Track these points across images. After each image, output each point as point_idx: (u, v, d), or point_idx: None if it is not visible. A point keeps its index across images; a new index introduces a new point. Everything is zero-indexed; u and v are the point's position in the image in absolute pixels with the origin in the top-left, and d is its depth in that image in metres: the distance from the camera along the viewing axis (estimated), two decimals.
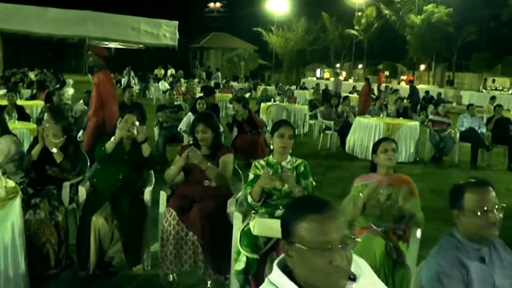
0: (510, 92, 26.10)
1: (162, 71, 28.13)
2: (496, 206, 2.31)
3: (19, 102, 8.80)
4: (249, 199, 3.39)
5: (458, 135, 9.78)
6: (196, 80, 25.45)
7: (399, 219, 3.48)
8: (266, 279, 1.60)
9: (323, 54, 42.71)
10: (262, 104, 12.80)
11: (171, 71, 28.57)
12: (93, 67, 6.17)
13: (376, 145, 3.67)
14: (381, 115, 10.64)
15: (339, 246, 1.51)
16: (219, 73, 25.65)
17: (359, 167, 9.04)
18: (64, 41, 42.29)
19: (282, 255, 1.66)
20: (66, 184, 4.04)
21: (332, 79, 35.45)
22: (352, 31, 38.83)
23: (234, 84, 25.44)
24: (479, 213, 2.29)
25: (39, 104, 10.08)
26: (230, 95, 16.49)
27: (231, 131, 8.23)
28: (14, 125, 6.54)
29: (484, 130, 9.76)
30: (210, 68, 30.71)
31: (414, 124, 9.96)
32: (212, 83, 21.76)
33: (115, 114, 5.91)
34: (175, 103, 8.42)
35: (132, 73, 22.09)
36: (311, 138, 11.99)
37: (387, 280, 3.00)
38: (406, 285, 2.99)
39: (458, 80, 33.95)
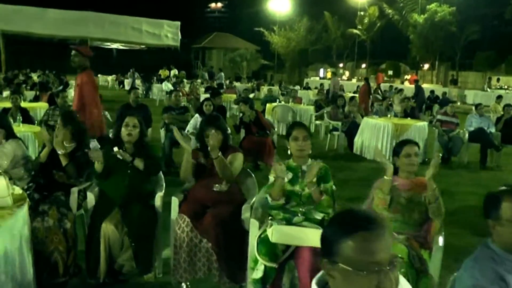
0: None
1: (167, 72, 28.00)
2: None
3: (22, 104, 8.67)
4: (269, 199, 3.28)
5: (467, 135, 9.65)
6: (199, 80, 25.33)
7: (421, 223, 3.37)
8: None
9: (325, 54, 42.63)
10: (268, 105, 12.69)
11: (174, 71, 28.46)
12: (77, 68, 5.99)
13: (399, 147, 3.53)
14: (389, 116, 10.53)
15: (388, 267, 1.38)
16: (223, 74, 25.49)
17: (368, 168, 8.93)
18: (65, 42, 42.08)
19: (321, 273, 1.53)
20: (74, 190, 3.92)
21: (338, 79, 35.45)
22: (355, 31, 38.73)
23: (237, 84, 25.31)
24: None
25: (42, 106, 9.96)
26: (235, 96, 16.38)
27: (238, 132, 8.10)
28: (19, 128, 6.43)
29: (493, 130, 9.64)
30: (213, 69, 30.54)
31: (423, 124, 9.83)
32: (215, 84, 21.61)
33: (96, 117, 5.79)
34: (181, 104, 8.28)
35: (136, 74, 21.93)
36: (318, 138, 11.84)
37: None
38: None
39: (462, 79, 33.77)
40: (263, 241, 3.13)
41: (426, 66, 37.04)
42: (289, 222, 3.26)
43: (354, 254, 1.39)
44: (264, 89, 24.82)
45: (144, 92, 23.59)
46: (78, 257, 3.78)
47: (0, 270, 2.69)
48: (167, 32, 42.93)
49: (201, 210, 3.57)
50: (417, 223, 3.37)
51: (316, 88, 24.66)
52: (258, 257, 3.06)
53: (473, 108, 14.48)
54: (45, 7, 35.66)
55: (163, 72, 28.32)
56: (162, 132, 7.73)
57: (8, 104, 8.44)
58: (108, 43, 44.46)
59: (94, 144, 4.23)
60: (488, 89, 26.21)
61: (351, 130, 10.21)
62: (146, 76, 27.96)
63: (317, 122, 12.38)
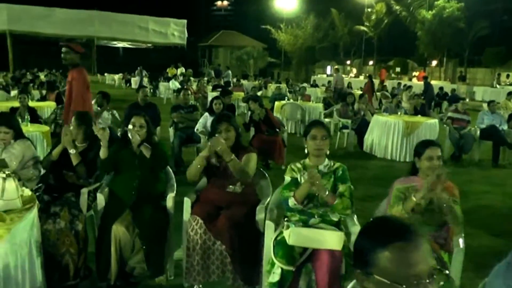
0: None
1: (174, 71, 27.94)
2: None
3: (30, 103, 8.64)
4: (291, 202, 3.16)
5: (478, 132, 9.51)
6: (206, 78, 25.27)
7: (441, 224, 3.27)
8: None
9: (332, 51, 42.44)
10: (276, 103, 12.60)
11: (181, 70, 28.40)
12: (68, 65, 5.90)
13: (421, 148, 3.42)
14: (399, 113, 10.41)
15: (427, 280, 1.29)
16: (230, 72, 25.39)
17: (379, 166, 8.83)
18: (72, 41, 42.24)
19: (352, 283, 1.44)
20: (84, 191, 3.84)
21: (343, 75, 35.28)
22: (362, 28, 38.54)
23: (244, 82, 25.23)
24: None
25: (50, 105, 9.92)
26: (242, 94, 16.29)
27: (247, 131, 8.00)
28: (27, 128, 6.38)
29: (505, 127, 9.49)
30: (220, 67, 30.46)
31: (434, 122, 9.72)
32: (222, 82, 21.53)
33: None
34: (190, 103, 8.20)
35: (144, 73, 21.84)
36: None
37: None
38: None
39: (470, 76, 33.50)
40: (280, 243, 3.04)
41: (434, 62, 36.78)
42: (305, 224, 3.17)
43: (391, 265, 1.30)
44: (272, 87, 24.72)
45: (152, 90, 23.54)
46: (88, 259, 3.72)
47: (10, 275, 2.62)
48: (173, 31, 43.33)
49: (214, 211, 3.48)
50: (437, 223, 3.27)
51: (323, 85, 24.53)
52: (275, 260, 2.97)
53: (484, 105, 14.34)
54: (52, 7, 35.90)
55: (170, 71, 28.24)
56: (171, 131, 7.66)
57: (16, 104, 8.42)
58: (115, 42, 44.77)
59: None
60: (498, 86, 25.94)
61: (361, 127, 10.10)
62: (153, 74, 27.92)
63: (326, 119, 12.24)
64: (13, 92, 12.74)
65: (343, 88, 19.47)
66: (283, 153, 7.73)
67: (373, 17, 37.95)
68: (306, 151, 3.42)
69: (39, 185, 4.05)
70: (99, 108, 7.81)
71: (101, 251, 3.56)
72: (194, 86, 18.22)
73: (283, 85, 21.40)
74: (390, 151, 9.45)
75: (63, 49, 5.84)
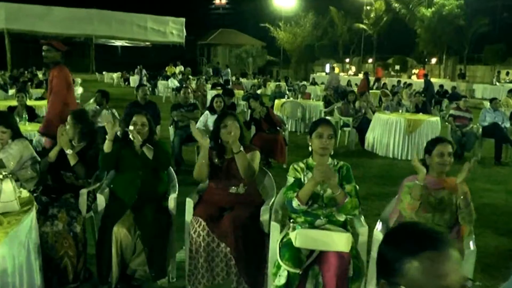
0: None
1: (173, 69, 27.81)
2: None
3: (28, 102, 8.52)
4: (295, 203, 3.05)
5: (480, 130, 9.44)
6: (204, 77, 25.19)
7: (452, 225, 3.19)
8: None
9: (331, 49, 42.37)
10: (276, 101, 12.52)
11: (179, 68, 28.28)
12: (49, 63, 5.74)
13: (431, 145, 3.35)
14: (400, 111, 10.34)
15: None
16: (229, 70, 25.29)
17: (381, 164, 8.76)
18: (70, 40, 42.18)
19: None
20: (84, 192, 3.75)
21: (342, 74, 35.13)
22: (361, 25, 38.47)
23: (243, 80, 25.13)
24: None
25: None
26: (242, 92, 16.19)
27: (249, 129, 7.90)
28: (25, 127, 6.30)
29: (508, 124, 9.44)
30: (219, 65, 30.34)
31: (435, 119, 9.64)
32: (221, 80, 21.44)
33: (55, 111, 5.54)
34: (190, 101, 8.09)
35: (144, 71, 21.69)
36: None
37: None
38: None
39: (470, 73, 33.36)
40: (286, 245, 2.95)
41: (434, 60, 36.71)
42: (311, 225, 3.08)
43: (420, 276, 1.21)
44: (271, 85, 24.62)
45: (150, 89, 23.41)
46: (88, 262, 3.64)
47: (7, 280, 2.53)
48: (172, 29, 43.19)
49: (217, 212, 3.40)
50: (447, 224, 3.20)
51: (322, 83, 24.44)
52: (281, 263, 2.88)
53: (484, 102, 14.26)
54: (50, 5, 35.74)
55: (169, 69, 28.11)
56: (171, 129, 7.56)
57: (14, 103, 8.32)
58: (113, 41, 44.58)
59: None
60: (497, 83, 25.87)
61: (362, 126, 10.03)
62: (151, 73, 27.79)
63: (327, 118, 12.17)
64: (11, 91, 12.65)
65: (338, 86, 19.44)
66: (284, 152, 7.65)
67: (372, 14, 37.89)
68: (310, 149, 3.32)
69: (37, 186, 3.96)
70: (98, 107, 7.71)
71: (102, 254, 3.48)
72: (193, 85, 18.10)
73: (283, 83, 21.29)
74: (392, 149, 9.38)
75: (44, 47, 5.69)
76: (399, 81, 23.86)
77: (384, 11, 37.20)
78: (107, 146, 3.70)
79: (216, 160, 3.54)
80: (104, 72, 35.57)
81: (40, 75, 24.21)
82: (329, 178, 2.94)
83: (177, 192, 3.77)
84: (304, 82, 21.49)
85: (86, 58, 43.14)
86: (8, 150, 4.02)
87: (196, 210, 3.46)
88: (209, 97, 15.38)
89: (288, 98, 13.29)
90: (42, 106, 9.54)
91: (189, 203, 3.52)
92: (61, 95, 5.64)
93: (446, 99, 18.32)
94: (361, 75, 32.14)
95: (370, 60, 41.48)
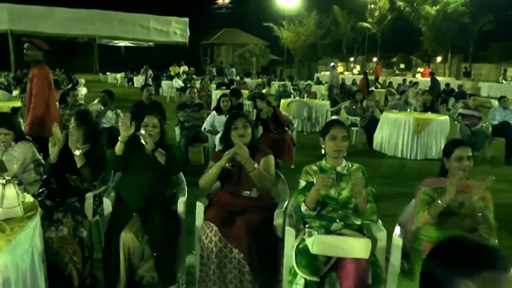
0: None
1: (177, 69, 27.70)
2: None
3: None
4: (303, 208, 2.94)
5: (490, 129, 9.29)
6: (208, 77, 25.08)
7: (473, 230, 3.04)
8: None
9: (335, 48, 42.26)
10: (282, 100, 12.39)
11: (183, 68, 28.17)
12: (30, 61, 5.61)
13: (450, 148, 3.19)
14: (408, 110, 10.19)
15: None
16: (234, 69, 25.16)
17: (389, 165, 8.62)
18: (72, 40, 42.20)
19: None
20: (89, 195, 3.62)
21: (346, 73, 34.99)
22: (365, 24, 38.38)
23: (247, 80, 25.00)
24: None
25: None
26: (247, 92, 16.06)
27: (256, 129, 7.79)
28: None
29: None
30: (223, 64, 30.22)
31: (445, 118, 9.48)
32: (226, 80, 21.30)
33: (40, 113, 5.41)
34: (196, 101, 7.96)
35: (150, 72, 21.51)
36: None
37: None
38: None
39: (475, 72, 33.18)
40: (302, 252, 2.81)
41: (439, 58, 36.52)
42: (327, 230, 2.95)
43: None
44: (275, 84, 24.48)
45: (154, 89, 23.28)
46: (94, 267, 3.51)
47: None
48: (175, 29, 43.20)
49: (229, 217, 3.25)
50: (469, 229, 3.05)
51: (326, 82, 24.30)
52: (298, 270, 2.75)
53: (492, 101, 14.07)
54: (53, 6, 35.73)
55: (173, 69, 28.01)
56: (177, 130, 7.44)
57: (17, 103, 8.21)
58: (116, 41, 44.55)
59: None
60: (504, 81, 25.68)
61: (370, 125, 9.88)
62: (155, 73, 27.67)
63: (333, 117, 12.04)
64: (15, 92, 12.54)
65: (338, 84, 19.35)
66: (292, 152, 7.51)
67: (376, 13, 37.79)
68: (323, 152, 3.19)
69: (41, 189, 3.83)
70: (102, 108, 7.59)
71: (109, 259, 3.35)
72: (198, 85, 17.98)
73: (288, 83, 21.16)
74: (401, 149, 9.24)
75: (25, 45, 5.57)
76: (404, 80, 23.68)
77: (388, 9, 37.11)
78: (119, 149, 3.56)
79: (228, 164, 3.39)
80: (107, 73, 35.51)
81: None
82: (356, 185, 2.82)
83: (186, 195, 3.63)
84: (309, 81, 21.33)
85: (89, 59, 43.15)
86: (11, 152, 3.90)
87: (206, 214, 3.33)
88: (213, 97, 15.27)
89: (294, 97, 13.15)
90: None
91: (199, 207, 3.38)
92: (43, 95, 5.50)
93: (453, 97, 18.16)
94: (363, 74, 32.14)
95: (374, 59, 41.33)
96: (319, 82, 25.21)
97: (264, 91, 17.03)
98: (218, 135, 6.67)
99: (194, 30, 45.45)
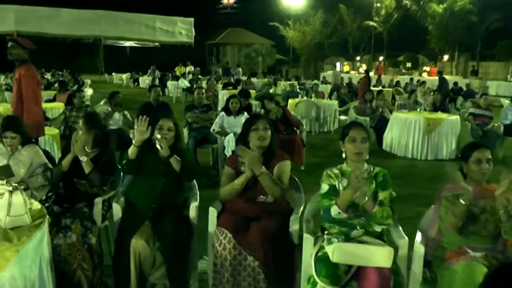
0: None
1: (183, 69, 27.63)
2: None
3: None
4: (334, 211, 2.82)
5: (502, 128, 9.14)
6: (214, 77, 24.98)
7: (496, 235, 2.92)
8: None
9: (341, 47, 42.10)
10: (290, 100, 12.26)
11: (189, 68, 28.10)
12: (15, 61, 5.46)
13: (468, 151, 3.07)
14: (418, 110, 10.05)
15: None
16: (240, 69, 25.04)
17: (400, 165, 8.49)
18: (78, 41, 42.30)
19: None
20: (98, 200, 3.51)
21: (352, 72, 34.80)
22: (371, 23, 38.20)
23: (253, 80, 24.91)
24: None
25: (59, 106, 9.61)
26: (254, 92, 15.95)
27: None
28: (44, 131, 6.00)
29: None
30: (229, 64, 30.12)
31: (455, 118, 9.33)
32: (232, 79, 21.19)
33: (36, 115, 5.28)
34: (204, 102, 7.85)
35: (157, 72, 21.38)
36: None
37: None
38: None
39: (483, 70, 32.95)
40: (322, 260, 2.69)
41: (446, 57, 36.30)
42: (347, 236, 2.83)
43: None
44: (281, 84, 24.36)
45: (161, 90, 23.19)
46: (104, 274, 3.41)
47: None
48: (180, 29, 43.23)
49: (243, 223, 3.13)
50: (492, 235, 2.92)
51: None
52: (318, 280, 2.63)
53: (502, 99, 13.89)
54: (59, 7, 35.82)
55: (178, 69, 27.94)
56: (186, 131, 7.33)
57: None
58: (122, 41, 44.58)
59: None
60: None
61: (380, 125, 9.75)
62: (161, 73, 27.62)
63: (342, 117, 11.93)
64: None
65: (340, 84, 19.31)
66: (302, 153, 7.39)
67: (383, 12, 37.59)
68: (344, 155, 3.08)
69: (49, 194, 3.73)
70: (110, 109, 7.49)
71: (120, 267, 3.24)
72: (204, 84, 17.90)
73: (296, 83, 21.06)
74: (411, 150, 9.10)
75: (9, 44, 5.43)
76: (411, 79, 23.51)
77: (395, 8, 36.93)
78: (132, 152, 3.42)
79: (243, 169, 3.26)
80: (113, 73, 35.51)
81: (49, 76, 24.11)
82: (357, 187, 2.71)
83: (198, 200, 3.51)
84: (316, 81, 21.20)
85: (95, 59, 43.22)
86: (18, 157, 3.81)
87: (219, 220, 3.21)
88: (220, 97, 15.17)
89: (301, 97, 13.03)
90: (52, 108, 9.36)
91: (212, 212, 3.26)
92: (35, 95, 5.36)
93: (461, 96, 17.99)
94: (371, 73, 31.96)
95: (380, 58, 41.13)
96: (325, 82, 25.08)
97: (270, 91, 16.94)
98: (228, 137, 6.56)
99: (199, 30, 45.43)
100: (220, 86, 17.98)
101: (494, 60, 33.75)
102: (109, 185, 3.85)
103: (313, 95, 12.70)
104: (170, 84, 22.90)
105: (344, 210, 2.82)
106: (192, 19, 43.38)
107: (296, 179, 3.68)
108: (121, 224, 3.37)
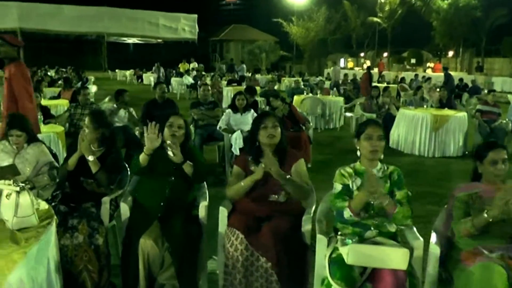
0: None
1: (187, 66, 27.54)
2: None
3: (43, 102, 8.24)
4: (347, 214, 2.76)
5: (510, 125, 9.06)
6: (218, 73, 24.90)
7: None
8: None
9: (345, 43, 41.97)
10: (296, 97, 12.18)
11: (193, 64, 28.02)
12: (3, 59, 5.40)
13: (483, 151, 3.00)
14: (425, 106, 9.96)
15: None
16: (244, 66, 24.91)
17: (407, 163, 8.41)
18: (81, 38, 42.30)
19: None
20: (106, 200, 3.45)
21: (356, 68, 34.66)
22: (375, 19, 38.03)
23: (257, 76, 24.83)
24: None
25: (63, 103, 9.56)
26: (258, 88, 15.88)
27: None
28: (40, 128, 5.95)
29: None
30: (233, 61, 30.00)
31: (463, 115, 9.24)
32: (237, 76, 21.10)
33: (30, 112, 5.14)
34: (210, 99, 7.77)
35: (162, 69, 21.28)
36: (349, 132, 11.34)
37: None
38: None
39: (488, 66, 32.70)
40: (336, 262, 2.62)
41: (450, 53, 36.13)
42: (361, 237, 2.77)
43: None
44: (285, 80, 24.27)
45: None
46: (112, 274, 3.35)
47: None
48: (184, 26, 43.18)
49: (254, 223, 3.07)
50: (508, 235, 2.86)
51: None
52: (332, 282, 2.56)
53: (510, 96, 13.76)
54: (61, 4, 35.81)
55: (182, 66, 27.86)
56: (191, 129, 7.26)
57: None
58: (125, 38, 44.57)
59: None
60: None
61: (387, 122, 9.65)
62: (164, 70, 27.56)
63: (347, 114, 11.85)
64: None
65: (339, 80, 19.26)
66: (309, 151, 7.31)
67: (387, 7, 37.40)
68: (358, 153, 3.01)
69: (55, 193, 3.67)
70: (115, 106, 7.42)
71: (128, 267, 3.17)
72: (208, 81, 17.83)
73: (299, 79, 20.99)
74: (418, 147, 9.02)
75: None
76: (416, 75, 23.36)
77: (399, 3, 36.72)
78: (143, 160, 3.33)
79: (253, 168, 3.20)
80: (116, 70, 35.46)
81: (52, 73, 24.08)
82: (373, 191, 2.66)
83: (207, 200, 3.44)
84: (320, 77, 21.11)
85: (98, 56, 43.19)
86: (24, 155, 3.75)
87: (230, 220, 3.14)
88: (225, 94, 15.11)
89: (306, 94, 12.95)
90: (57, 106, 9.32)
91: (223, 212, 3.20)
92: (27, 93, 5.25)
93: (466, 93, 17.87)
94: (376, 69, 31.83)
95: (384, 54, 40.96)
96: (329, 78, 24.95)
97: (275, 87, 16.86)
98: (234, 134, 6.50)
99: (202, 27, 45.33)
100: (224, 82, 17.91)
101: (499, 56, 33.49)
102: (116, 184, 3.79)
103: (318, 92, 12.62)
104: (174, 80, 22.82)
105: (357, 214, 2.76)
106: (195, 16, 43.29)
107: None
108: (129, 224, 3.31)
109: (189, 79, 20.69)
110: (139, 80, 30.20)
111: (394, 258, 2.52)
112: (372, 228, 2.81)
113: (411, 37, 37.53)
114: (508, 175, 2.97)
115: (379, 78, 22.71)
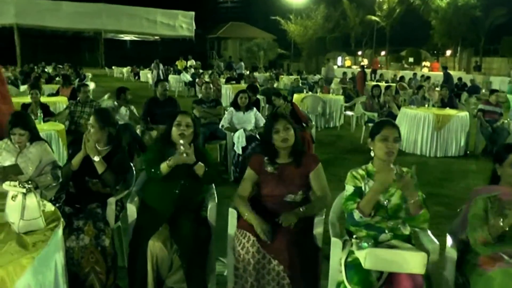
0: None
1: (184, 63, 27.42)
2: None
3: (42, 99, 8.13)
4: (357, 215, 2.68)
5: None
6: (216, 71, 24.79)
7: None
8: None
9: (343, 41, 41.94)
10: (296, 96, 12.10)
11: (191, 62, 27.90)
12: None
13: (504, 154, 2.93)
14: (426, 105, 9.90)
15: None
16: (243, 63, 24.82)
17: (409, 162, 8.30)
18: (79, 34, 42.12)
19: None
20: (112, 201, 3.36)
21: (354, 66, 34.61)
22: (374, 17, 38.01)
23: (255, 74, 24.75)
24: None
25: (63, 100, 9.45)
26: (258, 86, 15.80)
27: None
28: (40, 126, 5.83)
29: None
30: (231, 59, 29.88)
31: (465, 114, 9.19)
32: (235, 74, 21.01)
33: (2, 115, 5.10)
34: (212, 97, 7.69)
35: (161, 66, 21.14)
36: (349, 130, 11.28)
37: None
38: None
39: (486, 66, 32.74)
40: (353, 267, 2.55)
41: (448, 52, 36.14)
42: (375, 240, 2.70)
43: None
44: (283, 78, 24.19)
45: None
46: (118, 277, 3.28)
47: None
48: (181, 23, 42.99)
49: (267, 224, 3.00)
50: None
51: (336, 77, 24.01)
52: (349, 287, 2.49)
53: (508, 96, 13.71)
54: (59, 0, 35.62)
55: (179, 63, 27.73)
56: None
57: (26, 99, 7.94)
58: (122, 35, 44.33)
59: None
60: None
61: None
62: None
63: (348, 112, 11.79)
64: (23, 87, 12.29)
65: (333, 78, 19.17)
66: (311, 150, 7.25)
67: (385, 6, 37.40)
68: (372, 154, 2.94)
69: (57, 195, 3.57)
70: (116, 103, 7.32)
71: (135, 270, 3.10)
72: (206, 78, 17.76)
73: (298, 77, 20.91)
74: (420, 146, 8.98)
75: None
76: (415, 74, 23.32)
77: (398, 2, 36.74)
78: (165, 170, 3.21)
79: (269, 168, 3.14)
80: (113, 67, 35.30)
81: (50, 70, 23.92)
82: (407, 188, 2.61)
83: (216, 201, 3.36)
84: (319, 76, 21.04)
85: (95, 53, 43.01)
86: (26, 154, 3.67)
87: (240, 222, 3.07)
88: (223, 92, 15.03)
89: (306, 92, 12.88)
90: (56, 103, 9.21)
91: (232, 213, 3.12)
92: (4, 93, 5.15)
93: (465, 92, 17.83)
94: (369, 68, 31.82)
95: (382, 53, 40.95)
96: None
97: (274, 85, 16.78)
98: (237, 133, 6.41)
99: (200, 24, 45.18)
100: (223, 80, 17.83)
101: (497, 55, 33.54)
102: (121, 184, 3.70)
103: (318, 90, 12.55)
104: (171, 78, 22.70)
105: (367, 215, 2.68)
106: (193, 13, 43.12)
107: None
108: (136, 226, 3.23)
109: (187, 77, 20.59)
110: (136, 77, 30.08)
111: (412, 262, 2.45)
112: (386, 231, 2.74)
113: (409, 36, 37.53)
114: None
115: (372, 75, 22.72)
